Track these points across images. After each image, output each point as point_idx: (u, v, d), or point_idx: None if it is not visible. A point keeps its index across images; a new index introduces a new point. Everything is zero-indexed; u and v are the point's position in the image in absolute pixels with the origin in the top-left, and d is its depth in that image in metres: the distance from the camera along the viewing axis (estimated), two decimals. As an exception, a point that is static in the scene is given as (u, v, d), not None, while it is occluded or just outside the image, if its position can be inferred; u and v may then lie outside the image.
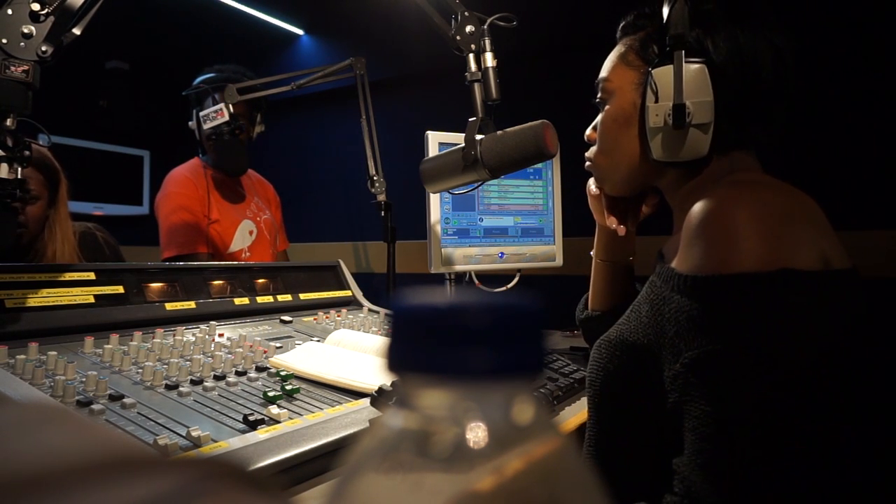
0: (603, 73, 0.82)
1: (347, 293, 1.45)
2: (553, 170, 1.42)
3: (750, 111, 0.72)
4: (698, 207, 0.63)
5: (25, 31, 0.81)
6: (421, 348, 0.17)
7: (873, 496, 0.62)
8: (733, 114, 0.71)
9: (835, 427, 0.59)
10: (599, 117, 0.83)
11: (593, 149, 0.86)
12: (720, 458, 0.56)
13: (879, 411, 0.65)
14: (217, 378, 0.83)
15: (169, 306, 1.06)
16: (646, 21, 0.79)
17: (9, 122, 0.82)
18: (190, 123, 1.81)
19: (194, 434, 0.63)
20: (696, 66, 0.70)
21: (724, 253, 0.59)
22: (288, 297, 1.29)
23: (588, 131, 0.87)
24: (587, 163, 0.88)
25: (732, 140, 0.73)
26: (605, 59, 0.83)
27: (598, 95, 0.82)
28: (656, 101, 0.72)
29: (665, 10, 0.71)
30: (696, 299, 0.60)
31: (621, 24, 0.82)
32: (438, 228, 1.28)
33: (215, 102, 1.71)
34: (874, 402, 0.64)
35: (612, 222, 0.95)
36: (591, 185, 0.97)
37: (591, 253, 1.02)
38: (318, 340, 1.07)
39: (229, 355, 0.92)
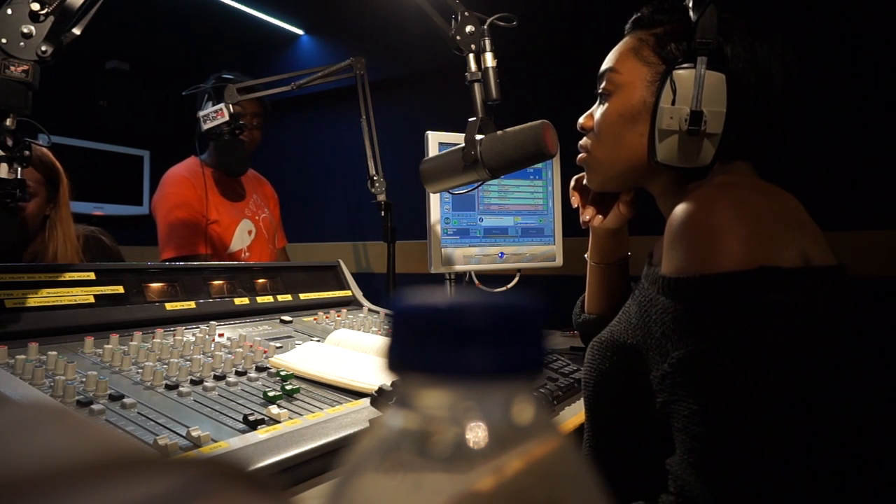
0: (611, 63, 0.79)
1: (347, 293, 1.45)
2: (553, 170, 1.42)
3: (757, 127, 0.72)
4: (679, 210, 0.64)
5: (25, 30, 0.80)
6: (421, 348, 0.17)
7: (866, 493, 0.62)
8: (741, 127, 0.71)
9: (826, 423, 0.59)
10: (601, 108, 0.80)
11: (589, 140, 0.83)
12: (711, 456, 0.56)
13: (878, 409, 0.65)
14: (217, 378, 0.83)
15: (169, 306, 1.06)
16: (664, 17, 0.76)
17: (9, 122, 0.82)
18: (200, 114, 1.78)
19: (194, 434, 0.63)
20: (717, 75, 0.69)
21: (705, 254, 0.60)
22: (288, 297, 1.29)
23: (582, 119, 0.85)
24: (581, 154, 0.85)
25: (735, 152, 0.73)
26: (605, 58, 0.82)
27: (603, 86, 0.80)
28: (673, 104, 0.71)
29: (693, 14, 0.70)
30: (680, 300, 0.61)
31: (634, 17, 0.80)
32: (438, 228, 1.28)
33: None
34: (872, 401, 0.64)
35: (586, 213, 0.96)
36: (573, 190, 0.98)
37: (586, 255, 1.02)
38: (318, 340, 1.07)
39: (229, 355, 0.92)
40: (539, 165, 1.40)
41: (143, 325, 0.99)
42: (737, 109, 0.70)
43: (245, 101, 1.72)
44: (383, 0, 1.96)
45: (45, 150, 1.46)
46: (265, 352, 0.96)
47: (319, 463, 0.66)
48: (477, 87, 0.92)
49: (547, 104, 1.60)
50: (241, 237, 1.88)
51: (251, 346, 0.98)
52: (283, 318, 1.21)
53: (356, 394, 0.83)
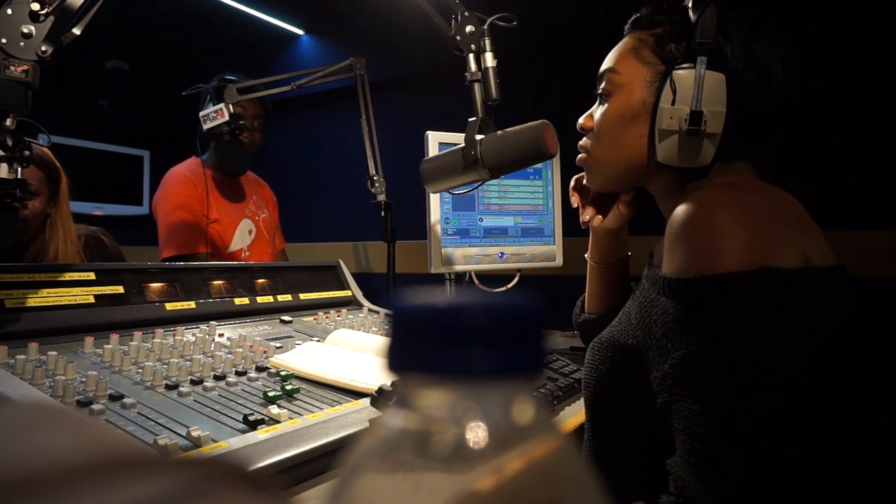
0: (610, 64, 0.79)
1: (347, 293, 1.45)
2: (553, 170, 1.42)
3: (757, 127, 0.72)
4: (680, 210, 0.64)
5: (25, 30, 0.80)
6: (421, 348, 0.17)
7: (867, 493, 0.62)
8: (741, 127, 0.71)
9: (826, 424, 0.59)
10: (601, 109, 0.80)
11: (589, 140, 0.84)
12: (711, 457, 0.56)
13: (879, 409, 0.65)
14: (217, 378, 0.83)
15: (169, 306, 1.06)
16: (663, 17, 0.76)
17: (9, 122, 0.82)
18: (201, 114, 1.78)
19: (194, 434, 0.63)
20: (717, 75, 0.69)
21: (705, 254, 0.60)
22: (288, 297, 1.29)
23: (582, 120, 0.85)
24: (580, 154, 0.85)
25: (735, 152, 0.73)
26: (605, 58, 0.82)
27: (602, 86, 0.80)
28: (673, 104, 0.71)
29: (692, 14, 0.70)
30: (681, 301, 0.61)
31: (634, 17, 0.80)
32: (438, 228, 1.28)
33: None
34: (873, 401, 0.64)
35: (586, 213, 0.96)
36: (573, 190, 0.98)
37: (586, 255, 1.02)
38: (318, 340, 1.07)
39: (229, 355, 0.92)
40: (539, 165, 1.40)
41: (143, 325, 0.99)
42: (737, 109, 0.70)
43: (246, 103, 1.73)
44: (383, 0, 1.96)
45: (45, 149, 1.46)
46: (265, 352, 0.96)
47: (319, 463, 0.66)
48: (477, 87, 0.92)
49: (547, 104, 1.60)
50: (242, 237, 1.89)
51: (251, 346, 0.98)
52: (283, 318, 1.21)
53: (356, 394, 0.83)
